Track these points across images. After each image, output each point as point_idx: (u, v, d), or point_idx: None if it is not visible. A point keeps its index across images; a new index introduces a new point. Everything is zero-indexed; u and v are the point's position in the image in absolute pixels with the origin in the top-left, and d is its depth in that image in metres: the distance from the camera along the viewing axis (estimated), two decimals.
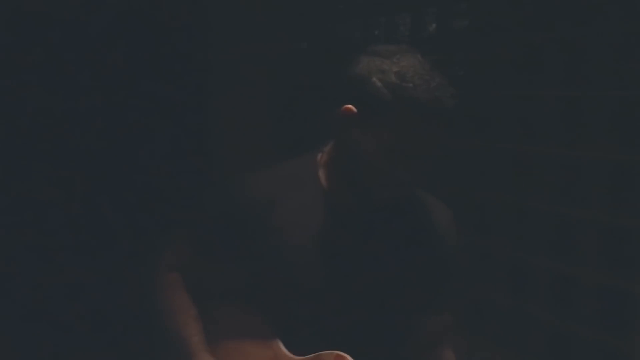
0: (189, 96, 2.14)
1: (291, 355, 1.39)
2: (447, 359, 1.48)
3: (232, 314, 1.48)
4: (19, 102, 1.89)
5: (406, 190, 1.37)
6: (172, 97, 2.09)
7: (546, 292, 1.97)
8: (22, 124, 1.89)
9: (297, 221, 1.39)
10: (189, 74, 2.18)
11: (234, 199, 1.43)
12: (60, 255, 1.88)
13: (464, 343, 1.54)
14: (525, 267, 1.99)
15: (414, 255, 1.42)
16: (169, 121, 2.10)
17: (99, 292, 1.89)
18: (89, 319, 1.90)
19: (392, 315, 1.42)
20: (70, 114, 1.97)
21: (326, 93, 1.42)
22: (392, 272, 1.39)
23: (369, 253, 1.39)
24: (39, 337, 1.85)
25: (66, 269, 1.87)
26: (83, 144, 1.97)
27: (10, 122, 1.88)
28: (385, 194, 1.34)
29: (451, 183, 2.08)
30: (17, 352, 1.79)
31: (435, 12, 2.46)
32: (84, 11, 2.01)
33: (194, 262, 1.48)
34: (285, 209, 1.40)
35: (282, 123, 2.13)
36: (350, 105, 1.28)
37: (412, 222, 1.43)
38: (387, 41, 2.46)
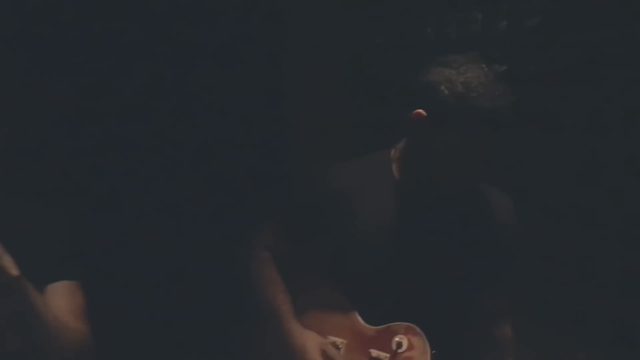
0: (281, 95, 2.34)
1: (366, 325, 1.59)
2: (506, 336, 1.63)
3: (315, 288, 1.68)
4: (137, 97, 2.13)
5: (469, 184, 1.53)
6: (264, 96, 2.30)
7: (618, 288, 2.03)
8: (139, 116, 2.13)
9: (373, 208, 1.58)
10: (275, 71, 2.37)
11: (320, 188, 1.64)
12: (173, 237, 2.14)
13: (523, 324, 1.69)
14: (595, 263, 2.04)
15: (476, 240, 1.57)
16: (264, 120, 2.31)
17: (204, 269, 2.15)
18: (196, 291, 2.16)
19: (457, 293, 1.58)
20: (173, 110, 2.21)
21: (401, 97, 1.59)
22: (455, 255, 1.56)
23: (435, 238, 1.55)
24: (148, 309, 2.12)
25: (176, 249, 2.13)
26: (192, 137, 2.21)
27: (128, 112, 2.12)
28: (450, 187, 1.50)
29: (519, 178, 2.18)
30: (130, 324, 2.05)
31: (505, 9, 2.53)
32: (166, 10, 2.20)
33: (284, 242, 1.69)
34: (363, 197, 1.59)
35: (361, 121, 2.30)
36: (420, 110, 1.46)
37: (473, 212, 1.58)
38: (459, 38, 2.57)
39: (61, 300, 1.34)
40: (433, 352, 1.50)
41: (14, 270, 1.16)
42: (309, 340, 1.58)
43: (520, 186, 1.91)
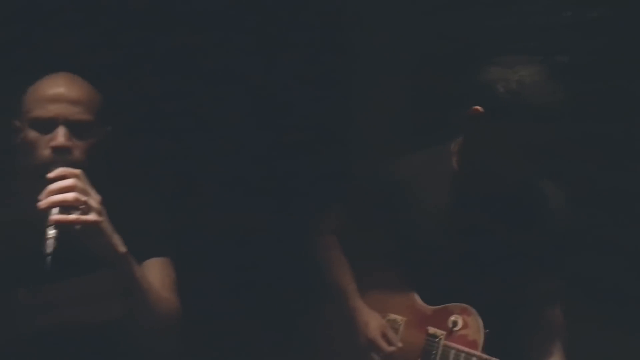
0: (350, 92, 2.48)
1: (425, 305, 1.73)
2: (556, 318, 1.73)
3: (378, 269, 1.82)
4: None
5: (523, 176, 1.63)
6: (334, 93, 2.46)
7: None
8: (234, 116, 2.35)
9: (432, 197, 1.70)
10: (342, 67, 2.51)
11: (384, 177, 1.78)
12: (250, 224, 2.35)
13: (572, 307, 1.78)
14: None
15: (530, 227, 1.67)
16: (336, 116, 2.47)
17: (275, 251, 2.34)
18: (268, 274, 2.36)
19: (510, 277, 1.69)
20: (252, 108, 2.40)
21: (460, 93, 1.70)
22: (509, 241, 1.66)
23: (490, 225, 1.66)
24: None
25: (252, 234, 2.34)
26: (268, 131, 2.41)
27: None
28: (505, 178, 1.61)
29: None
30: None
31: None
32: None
33: (349, 227, 1.84)
34: (424, 186, 1.72)
35: (424, 116, 2.42)
36: (478, 107, 1.57)
37: (527, 201, 1.68)
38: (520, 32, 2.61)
39: (155, 274, 1.51)
40: (486, 331, 1.63)
41: (121, 248, 1.36)
42: (371, 319, 1.73)
43: (573, 178, 1.99)
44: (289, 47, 2.47)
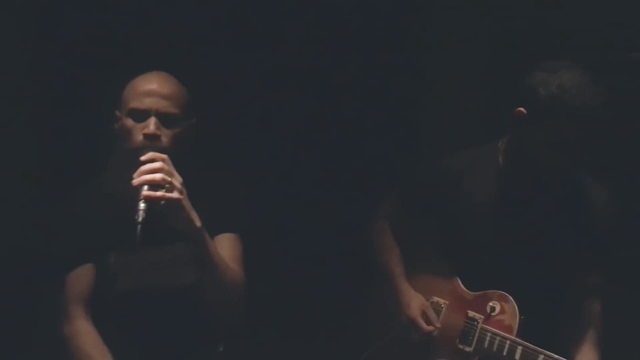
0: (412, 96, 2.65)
1: (466, 290, 1.86)
2: (596, 310, 1.82)
3: (425, 255, 1.97)
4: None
5: (565, 174, 1.73)
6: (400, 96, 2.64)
7: None
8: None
9: (479, 191, 1.83)
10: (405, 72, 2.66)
11: (436, 171, 1.91)
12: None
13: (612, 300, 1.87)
14: None
15: (571, 221, 1.77)
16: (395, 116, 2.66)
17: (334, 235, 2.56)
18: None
19: (551, 269, 1.79)
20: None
21: (509, 95, 1.81)
22: (551, 235, 1.77)
23: (532, 219, 1.78)
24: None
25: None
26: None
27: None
28: (547, 175, 1.72)
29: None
30: None
31: None
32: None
33: (402, 214, 1.99)
34: (472, 181, 1.84)
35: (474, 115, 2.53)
36: (521, 108, 1.69)
37: (570, 197, 1.77)
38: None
39: (225, 248, 1.71)
40: (522, 317, 1.75)
41: (197, 222, 1.57)
42: (413, 299, 1.88)
43: (618, 177, 2.06)
44: (362, 39, 2.64)
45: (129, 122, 1.65)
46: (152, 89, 1.65)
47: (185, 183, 1.55)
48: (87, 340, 1.67)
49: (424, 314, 1.85)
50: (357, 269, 2.24)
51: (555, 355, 1.67)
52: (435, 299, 1.90)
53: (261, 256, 1.83)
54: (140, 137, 1.62)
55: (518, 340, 1.72)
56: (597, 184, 1.82)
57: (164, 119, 1.64)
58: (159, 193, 1.49)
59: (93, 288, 1.71)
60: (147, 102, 1.63)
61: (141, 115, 1.64)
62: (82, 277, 1.70)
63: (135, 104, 1.64)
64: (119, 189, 1.59)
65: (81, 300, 1.69)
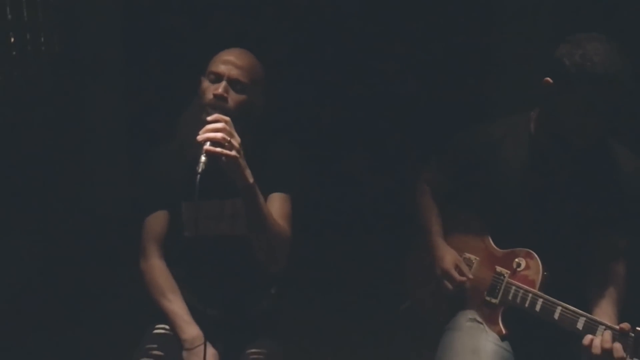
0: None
1: (496, 248, 2.02)
2: (620, 271, 1.92)
3: (462, 216, 2.14)
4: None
5: (591, 140, 1.83)
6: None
7: None
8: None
9: (513, 157, 1.96)
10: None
11: (475, 138, 2.06)
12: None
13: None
14: None
15: (600, 186, 1.87)
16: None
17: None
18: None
19: (578, 230, 1.91)
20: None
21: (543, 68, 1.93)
22: (580, 198, 1.89)
23: (562, 183, 1.90)
24: None
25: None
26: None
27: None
28: (575, 141, 1.84)
29: None
30: None
31: None
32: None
33: (442, 178, 2.16)
34: (506, 148, 1.98)
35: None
36: (548, 78, 1.81)
37: (599, 163, 1.88)
38: None
39: (276, 205, 1.92)
40: (545, 274, 1.90)
41: (250, 179, 1.78)
42: (448, 254, 2.06)
43: None
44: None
45: (206, 83, 1.89)
46: (229, 58, 1.89)
47: (245, 144, 1.77)
48: (159, 275, 1.96)
49: (457, 267, 2.03)
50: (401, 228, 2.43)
51: (573, 307, 1.80)
52: (468, 255, 2.07)
53: (309, 215, 2.03)
54: (210, 96, 1.85)
55: (539, 293, 1.87)
56: (626, 151, 1.92)
57: (234, 84, 1.86)
58: (219, 149, 1.71)
59: (166, 232, 1.99)
60: (222, 68, 1.87)
61: (216, 78, 1.87)
62: (157, 221, 1.98)
63: (213, 68, 1.88)
64: (190, 144, 1.80)
65: (156, 241, 1.98)
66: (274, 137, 2.04)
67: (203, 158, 1.70)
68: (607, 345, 1.69)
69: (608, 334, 1.71)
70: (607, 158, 1.90)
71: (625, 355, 1.68)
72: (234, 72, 1.87)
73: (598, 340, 1.71)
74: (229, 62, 1.87)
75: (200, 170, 1.69)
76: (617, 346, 1.69)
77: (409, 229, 2.25)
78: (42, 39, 3.43)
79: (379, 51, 3.47)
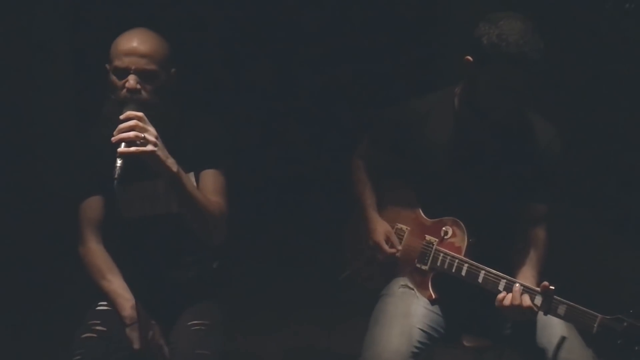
0: None
1: (426, 218, 2.11)
2: (541, 236, 2.03)
3: (394, 188, 2.23)
4: None
5: (510, 113, 1.92)
6: None
7: None
8: None
9: (439, 130, 2.04)
10: None
11: (403, 112, 2.14)
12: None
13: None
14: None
15: (521, 155, 1.97)
16: None
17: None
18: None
19: (501, 198, 2.01)
20: None
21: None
22: (503, 167, 1.98)
23: (485, 154, 1.99)
24: None
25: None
26: None
27: None
28: (494, 115, 1.93)
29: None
30: None
31: None
32: None
33: (375, 153, 2.24)
34: (432, 121, 2.06)
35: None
36: (468, 56, 1.89)
37: (519, 134, 1.97)
38: None
39: (208, 182, 1.95)
40: (470, 240, 2.00)
41: (173, 168, 1.75)
42: (379, 226, 2.14)
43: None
44: None
45: (114, 78, 1.86)
46: (131, 48, 1.83)
47: (170, 126, 1.79)
48: (97, 257, 2.00)
49: (388, 239, 2.12)
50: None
51: (495, 271, 1.92)
52: (400, 225, 2.16)
53: (248, 188, 2.09)
54: (123, 91, 1.83)
55: (465, 259, 1.97)
56: (545, 122, 2.02)
57: (143, 75, 1.83)
58: (133, 149, 1.68)
59: (102, 216, 2.02)
60: (127, 61, 1.82)
61: (123, 73, 1.83)
62: (92, 205, 2.01)
63: (117, 62, 1.85)
64: (110, 133, 1.79)
65: (91, 225, 2.01)
66: (199, 113, 2.04)
67: (119, 162, 1.68)
68: (517, 301, 1.82)
69: (517, 290, 1.84)
70: (525, 129, 2.00)
71: (532, 305, 1.82)
72: (140, 63, 1.82)
73: (509, 297, 1.84)
74: (132, 53, 1.83)
75: (116, 175, 1.68)
76: (525, 297, 1.83)
77: (348, 202, 2.33)
78: None
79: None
